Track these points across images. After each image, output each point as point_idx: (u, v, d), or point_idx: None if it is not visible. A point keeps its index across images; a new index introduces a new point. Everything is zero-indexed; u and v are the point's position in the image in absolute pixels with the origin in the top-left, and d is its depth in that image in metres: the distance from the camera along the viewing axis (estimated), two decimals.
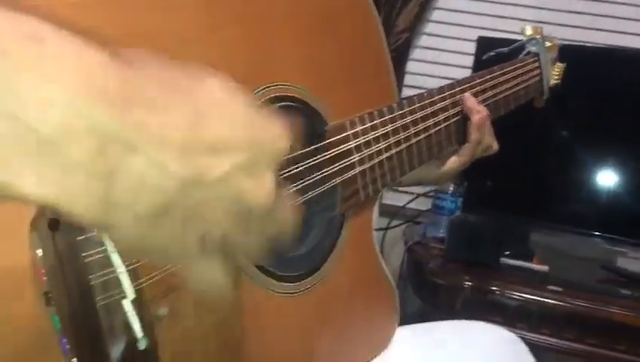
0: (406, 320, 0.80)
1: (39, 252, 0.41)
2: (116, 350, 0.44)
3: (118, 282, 0.44)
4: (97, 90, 0.28)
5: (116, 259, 0.44)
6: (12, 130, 0.26)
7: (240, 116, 0.33)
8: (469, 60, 1.79)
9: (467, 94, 0.83)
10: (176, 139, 0.30)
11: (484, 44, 1.66)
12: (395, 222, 1.81)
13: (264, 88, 0.59)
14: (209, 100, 0.32)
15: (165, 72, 0.32)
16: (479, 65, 1.67)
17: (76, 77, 0.27)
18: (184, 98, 0.31)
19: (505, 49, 0.99)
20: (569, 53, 1.10)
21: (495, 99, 0.89)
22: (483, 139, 0.86)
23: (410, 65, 1.96)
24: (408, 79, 1.94)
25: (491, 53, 0.97)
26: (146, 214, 0.30)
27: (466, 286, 1.49)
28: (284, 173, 0.59)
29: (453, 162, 0.87)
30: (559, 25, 1.83)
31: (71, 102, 0.27)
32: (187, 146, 0.30)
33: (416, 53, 1.98)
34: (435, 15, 1.96)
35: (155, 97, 0.30)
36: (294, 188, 0.61)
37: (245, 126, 0.33)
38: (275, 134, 0.34)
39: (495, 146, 0.89)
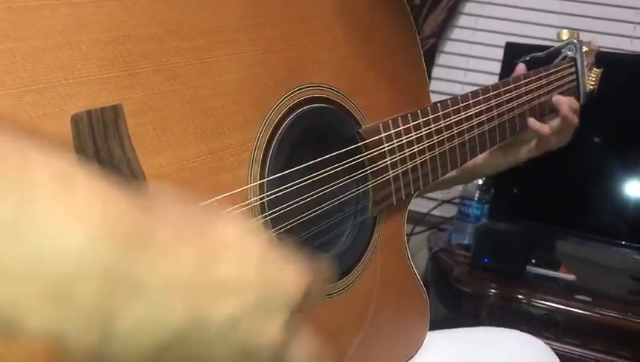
0: (431, 326, 0.80)
1: None
2: None
3: None
4: (115, 234, 0.28)
5: None
6: (28, 268, 0.26)
7: (253, 257, 0.33)
8: (497, 66, 1.77)
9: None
10: (183, 281, 0.30)
11: (512, 51, 1.65)
12: (418, 229, 1.79)
13: (298, 89, 0.58)
14: (222, 241, 0.32)
15: (182, 213, 0.32)
16: (507, 71, 1.66)
17: (99, 219, 0.27)
18: (197, 240, 0.31)
19: (540, 53, 0.97)
20: (600, 61, 1.08)
21: (530, 105, 0.88)
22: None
23: (437, 71, 1.95)
24: (434, 85, 1.93)
25: (526, 58, 0.95)
26: (144, 355, 0.29)
27: (491, 294, 1.47)
28: (318, 175, 0.59)
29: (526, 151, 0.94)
30: (587, 32, 1.81)
31: (90, 244, 0.27)
32: (193, 288, 0.30)
33: (442, 59, 1.97)
34: (463, 21, 1.95)
35: (167, 240, 0.30)
36: (328, 190, 0.61)
37: (258, 268, 0.32)
38: (291, 278, 0.34)
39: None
